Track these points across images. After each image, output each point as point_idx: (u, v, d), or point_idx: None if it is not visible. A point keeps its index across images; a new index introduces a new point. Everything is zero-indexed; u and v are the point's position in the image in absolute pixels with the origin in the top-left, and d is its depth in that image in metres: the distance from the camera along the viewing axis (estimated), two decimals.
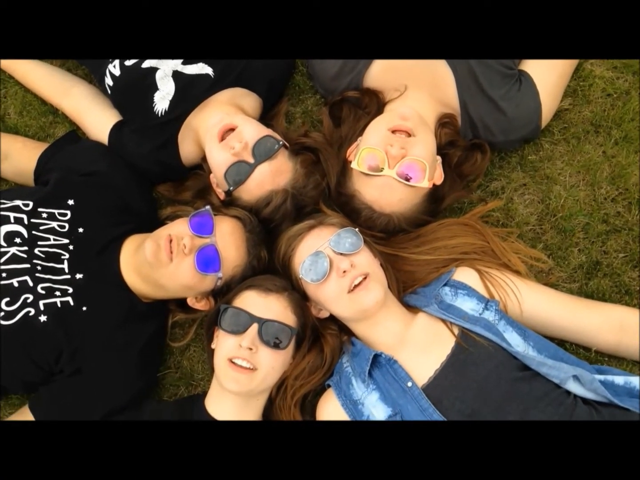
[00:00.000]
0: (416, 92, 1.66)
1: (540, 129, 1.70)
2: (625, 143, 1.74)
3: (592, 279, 1.66)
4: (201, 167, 1.76)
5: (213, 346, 1.52)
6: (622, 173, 1.72)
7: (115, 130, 1.75)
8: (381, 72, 1.70)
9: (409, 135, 1.51)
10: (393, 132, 1.51)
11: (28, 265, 1.49)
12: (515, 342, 1.44)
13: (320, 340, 1.56)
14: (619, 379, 1.41)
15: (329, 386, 1.52)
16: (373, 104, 1.70)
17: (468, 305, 1.49)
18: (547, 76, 1.67)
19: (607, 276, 1.66)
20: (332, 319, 1.55)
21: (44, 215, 1.56)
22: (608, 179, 1.73)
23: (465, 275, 1.54)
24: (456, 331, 1.42)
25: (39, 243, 1.53)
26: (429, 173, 1.50)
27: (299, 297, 1.52)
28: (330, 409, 1.47)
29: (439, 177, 1.58)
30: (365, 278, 1.42)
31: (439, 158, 1.60)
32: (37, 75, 1.89)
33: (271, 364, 1.44)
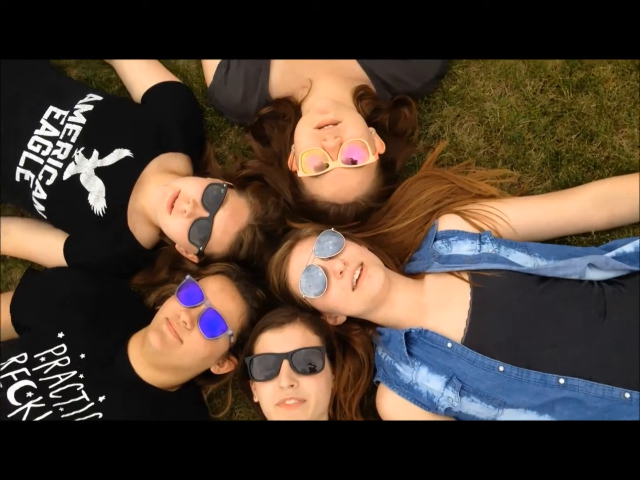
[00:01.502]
0: (322, 81, 1.68)
1: (448, 60, 1.73)
2: None
3: (560, 170, 1.70)
4: (163, 243, 1.75)
5: (256, 399, 1.51)
6: (538, 63, 1.75)
7: (68, 247, 1.73)
8: (282, 78, 1.71)
9: (335, 123, 1.52)
10: (319, 128, 1.52)
11: (51, 412, 1.46)
12: (523, 260, 1.46)
13: (349, 344, 1.56)
14: (628, 247, 1.44)
15: (378, 383, 1.53)
16: (289, 110, 1.72)
17: (464, 248, 1.50)
18: None
19: (571, 161, 1.70)
20: (351, 319, 1.55)
21: (42, 359, 1.53)
22: (528, 74, 1.76)
23: (448, 222, 1.56)
24: (466, 277, 1.44)
25: (50, 387, 1.50)
26: (370, 148, 1.51)
27: (311, 316, 1.52)
28: (390, 402, 1.48)
29: (380, 147, 1.60)
30: (362, 269, 1.42)
31: (372, 129, 1.62)
32: None
33: (317, 388, 1.44)
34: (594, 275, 1.39)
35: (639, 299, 1.33)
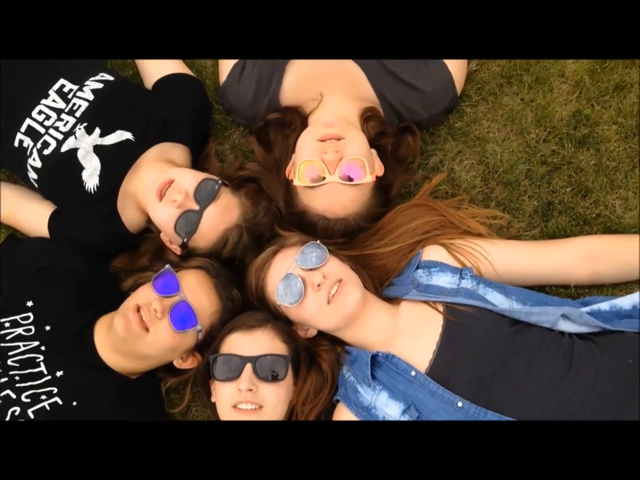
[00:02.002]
0: (333, 97, 1.69)
1: (458, 95, 1.75)
2: (539, 85, 1.80)
3: (550, 220, 1.71)
4: (149, 230, 1.75)
5: (213, 400, 1.50)
6: (545, 113, 1.78)
7: (54, 220, 1.73)
8: (294, 87, 1.72)
9: (339, 139, 1.53)
10: (322, 141, 1.53)
11: (6, 379, 1.45)
12: (499, 300, 1.46)
13: (316, 359, 1.55)
14: (604, 305, 1.45)
15: (337, 401, 1.52)
16: (296, 119, 1.73)
17: (444, 280, 1.51)
18: None
19: (562, 213, 1.71)
20: (322, 334, 1.55)
21: (7, 324, 1.52)
22: (533, 122, 1.78)
23: (432, 252, 1.56)
24: (441, 308, 1.44)
25: (10, 354, 1.49)
26: (368, 168, 1.52)
27: (283, 324, 1.52)
28: None
29: (379, 169, 1.61)
30: (339, 285, 1.42)
31: (373, 151, 1.63)
32: None
33: (275, 397, 1.42)
34: (566, 326, 1.39)
35: (608, 357, 1.33)
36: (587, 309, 1.42)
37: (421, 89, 1.67)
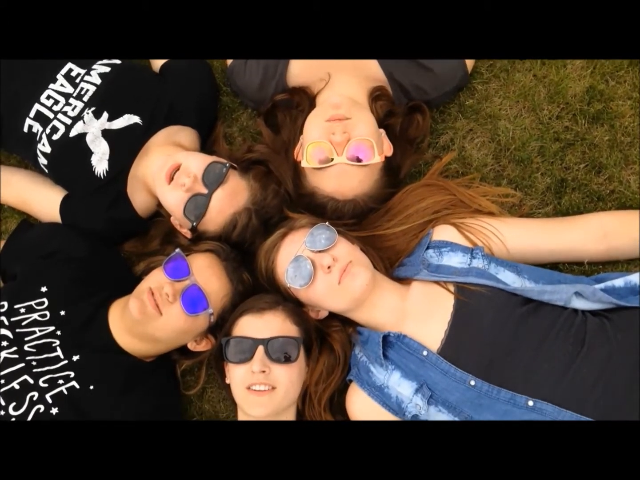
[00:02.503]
0: (341, 76, 1.67)
1: (469, 73, 1.72)
2: (552, 60, 1.77)
3: (563, 197, 1.69)
4: (159, 213, 1.75)
5: (227, 381, 1.51)
6: (558, 89, 1.74)
7: (65, 205, 1.73)
8: (302, 68, 1.71)
9: (346, 119, 1.52)
10: (330, 121, 1.52)
11: (23, 365, 1.47)
12: (511, 279, 1.45)
13: (327, 340, 1.55)
14: (619, 281, 1.43)
15: (350, 381, 1.52)
16: (304, 100, 1.71)
17: (455, 260, 1.50)
18: None
19: (575, 190, 1.69)
20: (332, 315, 1.55)
21: (22, 310, 1.54)
22: (546, 99, 1.75)
23: (443, 232, 1.55)
24: (452, 288, 1.43)
25: (26, 339, 1.50)
26: (377, 148, 1.51)
27: (294, 306, 1.52)
28: (359, 402, 1.47)
29: (388, 149, 1.59)
30: (348, 267, 1.41)
31: (382, 131, 1.61)
32: None
33: (288, 378, 1.43)
34: (579, 304, 1.38)
35: (622, 335, 1.32)
36: (601, 285, 1.40)
37: (431, 68, 1.65)
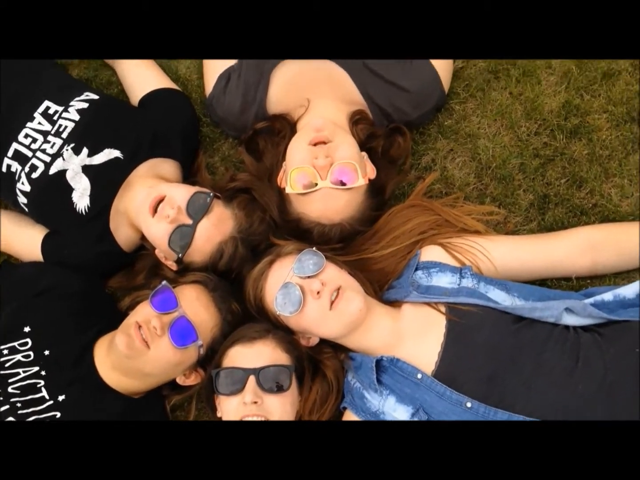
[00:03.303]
0: (320, 101, 1.68)
1: (445, 93, 1.75)
2: (526, 77, 1.80)
3: (547, 213, 1.70)
4: (143, 247, 1.73)
5: (219, 414, 1.48)
6: (534, 106, 1.77)
7: (48, 242, 1.71)
8: (281, 95, 1.72)
9: (328, 143, 1.52)
10: (313, 145, 1.52)
11: (7, 407, 1.43)
12: (501, 298, 1.45)
13: (319, 367, 1.53)
14: (607, 295, 1.44)
15: (344, 409, 1.50)
16: (285, 126, 1.72)
17: (444, 280, 1.49)
18: None
19: (558, 205, 1.70)
20: (324, 342, 1.53)
21: (5, 352, 1.50)
22: (523, 116, 1.78)
23: (430, 253, 1.55)
24: (443, 309, 1.42)
25: (10, 381, 1.47)
26: (360, 171, 1.51)
27: (284, 334, 1.50)
28: None
29: (371, 172, 1.60)
30: (338, 292, 1.41)
31: (364, 154, 1.62)
32: None
33: (281, 408, 1.41)
34: (570, 320, 1.38)
35: (615, 349, 1.32)
36: (591, 300, 1.41)
37: (407, 88, 1.67)
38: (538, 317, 1.37)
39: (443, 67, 1.70)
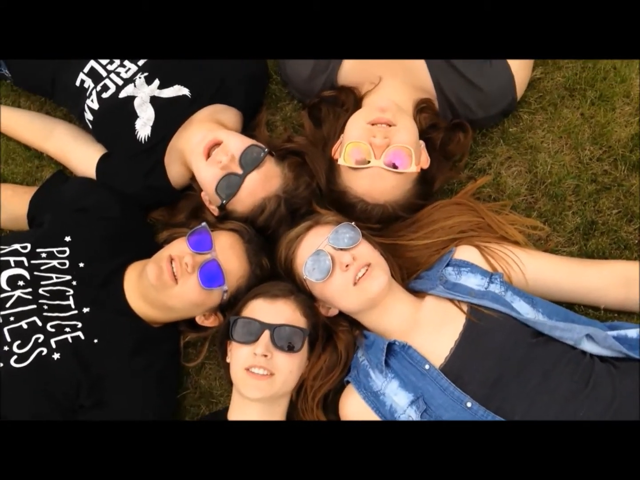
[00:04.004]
0: (391, 82, 1.68)
1: (517, 100, 1.73)
2: (601, 102, 1.77)
3: (590, 239, 1.68)
4: (191, 187, 1.78)
5: (228, 360, 1.53)
6: (603, 132, 1.74)
7: (102, 163, 1.77)
8: (354, 68, 1.72)
9: (390, 125, 1.53)
10: (373, 124, 1.53)
11: (34, 306, 1.50)
12: (525, 310, 1.45)
13: (333, 338, 1.56)
14: (632, 332, 1.42)
15: (348, 382, 1.53)
16: (350, 100, 1.73)
17: (473, 281, 1.50)
18: None
19: (604, 234, 1.68)
20: (342, 315, 1.56)
21: (43, 255, 1.57)
22: (590, 139, 1.75)
23: (465, 252, 1.55)
24: (465, 308, 1.43)
25: (42, 283, 1.54)
26: (414, 158, 1.51)
27: (306, 299, 1.53)
28: (353, 404, 1.48)
29: (425, 161, 1.60)
30: (367, 269, 1.43)
31: (422, 142, 1.62)
32: (18, 122, 1.91)
33: (288, 367, 1.44)
34: (588, 347, 1.37)
35: (628, 381, 1.31)
36: (614, 333, 1.40)
37: (481, 87, 1.65)
38: (558, 336, 1.37)
39: (520, 74, 1.68)
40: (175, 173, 1.74)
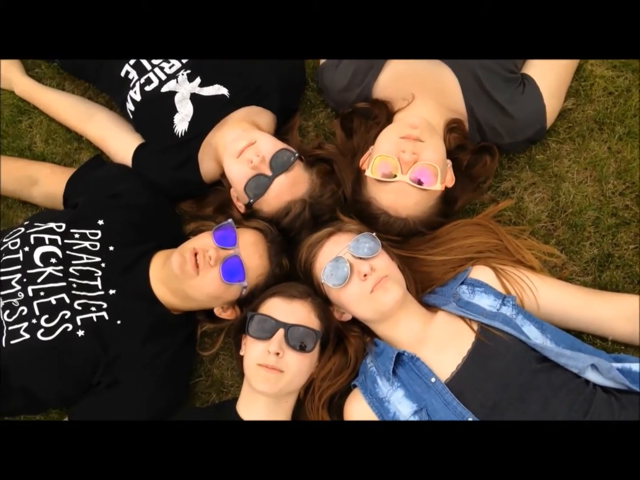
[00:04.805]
0: (424, 100, 1.72)
1: (546, 129, 1.76)
2: (629, 138, 1.79)
3: (605, 271, 1.71)
4: (221, 183, 1.83)
5: (241, 353, 1.58)
6: (628, 167, 1.77)
7: (138, 152, 1.83)
8: (389, 83, 1.77)
9: (419, 142, 1.57)
10: (403, 139, 1.57)
11: (64, 284, 1.57)
12: (534, 335, 1.48)
13: (344, 342, 1.61)
14: (636, 366, 1.44)
15: (354, 386, 1.57)
16: (382, 114, 1.77)
17: (485, 301, 1.53)
18: (549, 78, 1.73)
19: (619, 268, 1.71)
20: (355, 321, 1.61)
21: (77, 235, 1.64)
22: (615, 173, 1.78)
23: (481, 273, 1.58)
24: (475, 327, 1.46)
25: (73, 262, 1.60)
26: (440, 176, 1.55)
27: (322, 302, 1.58)
28: (357, 408, 1.52)
29: (450, 180, 1.64)
30: (383, 280, 1.47)
31: (449, 162, 1.66)
32: (61, 105, 1.98)
33: (298, 366, 1.49)
34: (592, 377, 1.39)
35: (625, 415, 1.33)
36: (619, 365, 1.42)
37: (511, 113, 1.69)
38: (563, 363, 1.40)
39: (551, 104, 1.72)
40: (206, 168, 1.80)
